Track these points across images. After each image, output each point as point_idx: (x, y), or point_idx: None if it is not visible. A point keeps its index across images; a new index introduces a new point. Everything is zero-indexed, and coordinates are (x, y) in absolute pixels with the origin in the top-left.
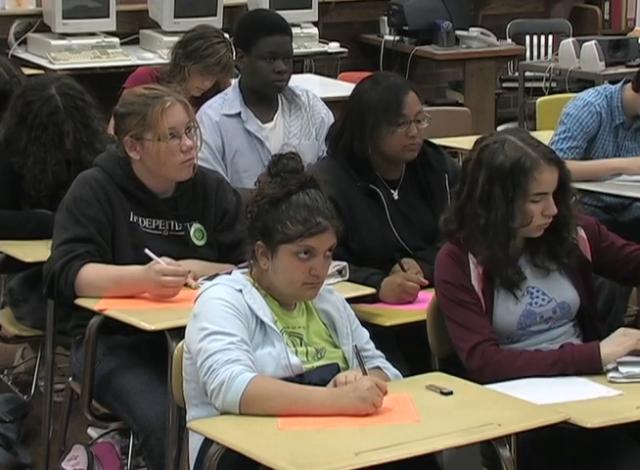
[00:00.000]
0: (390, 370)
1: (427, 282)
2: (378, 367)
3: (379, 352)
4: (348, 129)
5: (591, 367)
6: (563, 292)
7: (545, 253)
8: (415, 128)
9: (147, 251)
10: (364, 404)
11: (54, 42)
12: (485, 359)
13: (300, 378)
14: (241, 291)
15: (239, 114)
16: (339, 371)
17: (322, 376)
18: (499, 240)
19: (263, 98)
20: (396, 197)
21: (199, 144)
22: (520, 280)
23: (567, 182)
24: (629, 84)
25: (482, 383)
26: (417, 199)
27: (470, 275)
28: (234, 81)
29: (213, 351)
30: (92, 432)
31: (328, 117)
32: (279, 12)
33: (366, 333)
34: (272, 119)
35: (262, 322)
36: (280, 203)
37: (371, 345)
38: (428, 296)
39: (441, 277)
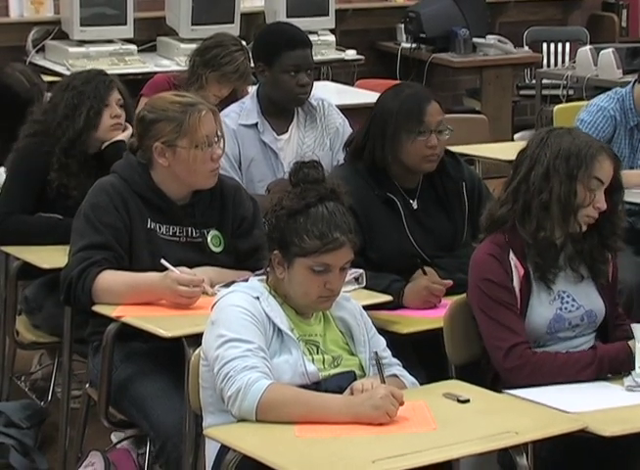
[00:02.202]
0: (407, 378)
1: (451, 283)
2: (395, 375)
3: (395, 360)
4: (371, 138)
5: (627, 366)
6: (591, 300)
7: (586, 257)
8: (435, 139)
9: (163, 261)
10: (377, 413)
11: (72, 49)
12: (524, 360)
13: (317, 386)
14: (258, 298)
15: (256, 124)
16: (355, 379)
17: (339, 384)
18: (563, 215)
19: (282, 110)
20: (415, 206)
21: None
22: (556, 272)
23: (620, 182)
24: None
25: (506, 387)
26: (435, 208)
27: (512, 276)
28: (251, 90)
29: (230, 358)
30: (114, 438)
31: (343, 127)
32: (296, 19)
33: (383, 341)
34: (287, 131)
35: (279, 330)
36: (298, 215)
37: (388, 352)
38: (444, 303)
39: (484, 276)
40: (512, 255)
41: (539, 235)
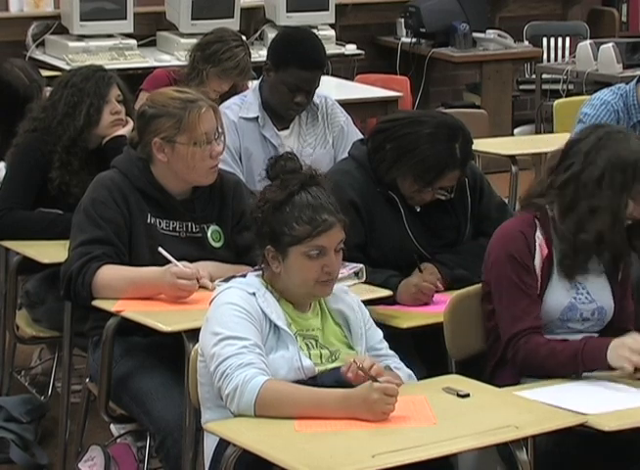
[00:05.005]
0: (403, 370)
1: (442, 287)
2: (388, 367)
3: (392, 352)
4: (386, 152)
5: (600, 365)
6: (604, 297)
7: (614, 255)
8: (431, 196)
9: (161, 249)
10: (374, 416)
11: (71, 44)
12: (513, 353)
13: (313, 380)
14: (254, 294)
15: (256, 118)
16: None
17: (335, 378)
18: (611, 223)
19: None
20: (418, 208)
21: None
22: (582, 273)
23: None
24: None
25: (506, 385)
26: (436, 206)
27: (534, 256)
28: (253, 84)
29: (226, 356)
30: (114, 429)
31: (347, 125)
32: (296, 14)
33: (380, 333)
34: (288, 127)
35: (276, 326)
36: (283, 205)
37: (384, 344)
38: (445, 298)
39: (508, 251)
40: (539, 233)
41: (580, 236)
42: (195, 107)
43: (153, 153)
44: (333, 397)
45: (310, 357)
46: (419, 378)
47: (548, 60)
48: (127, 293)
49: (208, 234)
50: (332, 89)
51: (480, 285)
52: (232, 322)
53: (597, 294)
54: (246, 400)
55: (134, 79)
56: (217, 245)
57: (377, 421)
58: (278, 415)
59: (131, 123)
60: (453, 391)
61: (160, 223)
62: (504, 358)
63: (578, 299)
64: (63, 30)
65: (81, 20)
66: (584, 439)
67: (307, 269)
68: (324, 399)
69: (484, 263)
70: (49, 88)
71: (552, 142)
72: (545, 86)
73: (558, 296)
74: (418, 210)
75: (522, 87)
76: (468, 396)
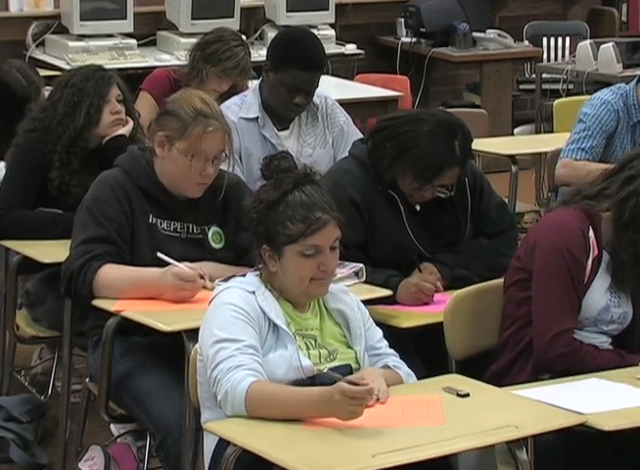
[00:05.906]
0: (403, 369)
1: (442, 288)
2: (387, 366)
3: (391, 351)
4: (386, 150)
5: None
6: (627, 303)
7: None
8: (431, 194)
9: (159, 254)
10: (344, 417)
11: (71, 44)
12: (570, 348)
13: (312, 380)
14: (254, 293)
15: (256, 118)
16: (351, 372)
17: (334, 378)
18: None
19: None
20: (418, 208)
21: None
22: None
23: None
24: None
25: (506, 384)
26: (436, 204)
27: (589, 256)
28: (253, 84)
29: (218, 361)
30: (114, 429)
31: (347, 125)
32: (296, 13)
33: (379, 332)
34: (288, 127)
35: (275, 325)
36: (277, 205)
37: (383, 343)
38: (445, 298)
39: (569, 247)
40: (591, 232)
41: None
42: (203, 122)
43: (154, 145)
44: (310, 397)
45: (309, 357)
46: (419, 378)
47: (548, 60)
48: (128, 293)
49: (209, 235)
50: (332, 89)
51: (480, 284)
52: (228, 323)
53: (623, 299)
54: (237, 404)
55: (134, 79)
56: (218, 246)
57: (347, 421)
58: (269, 416)
59: (131, 123)
60: (453, 391)
61: (161, 224)
62: (526, 350)
63: (612, 301)
64: (63, 30)
65: (81, 19)
66: (584, 438)
67: (303, 268)
68: (303, 400)
69: (523, 250)
70: (49, 88)
71: (552, 142)
72: (545, 86)
73: (598, 296)
74: (418, 209)
75: (522, 87)
76: (468, 395)
